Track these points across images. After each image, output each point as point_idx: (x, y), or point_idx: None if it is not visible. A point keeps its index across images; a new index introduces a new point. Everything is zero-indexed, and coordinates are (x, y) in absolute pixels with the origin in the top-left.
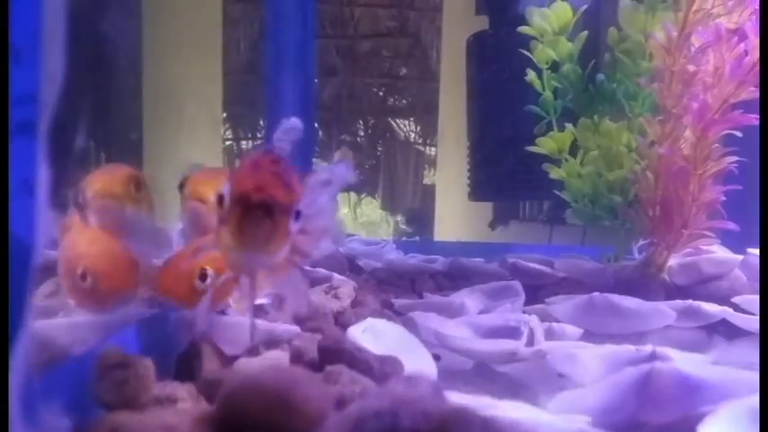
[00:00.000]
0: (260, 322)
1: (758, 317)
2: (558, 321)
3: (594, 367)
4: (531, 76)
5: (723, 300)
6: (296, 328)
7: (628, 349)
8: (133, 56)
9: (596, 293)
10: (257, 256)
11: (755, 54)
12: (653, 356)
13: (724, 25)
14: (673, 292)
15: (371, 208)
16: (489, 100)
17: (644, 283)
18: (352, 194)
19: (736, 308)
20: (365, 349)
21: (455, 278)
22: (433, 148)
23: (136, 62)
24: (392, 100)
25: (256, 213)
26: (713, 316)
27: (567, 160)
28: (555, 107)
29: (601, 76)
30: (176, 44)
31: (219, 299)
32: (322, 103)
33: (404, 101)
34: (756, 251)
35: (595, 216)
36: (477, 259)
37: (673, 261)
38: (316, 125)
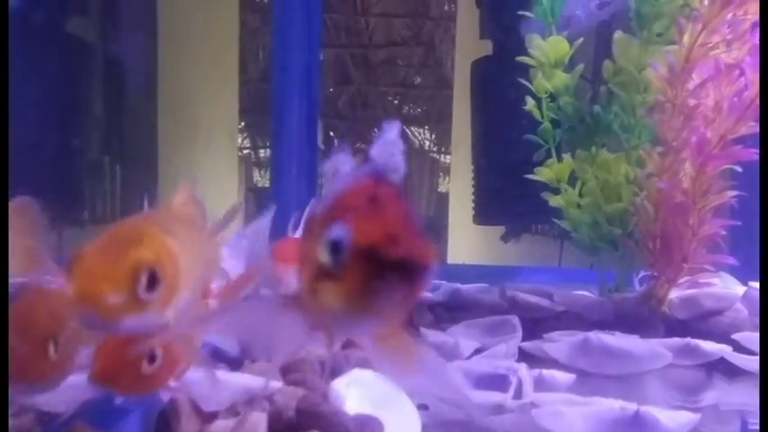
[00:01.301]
0: (240, 376)
1: (758, 356)
2: (554, 359)
3: (579, 426)
4: (530, 104)
5: (723, 335)
6: (277, 384)
7: (612, 407)
8: (148, 66)
9: (592, 333)
10: (376, 322)
11: (754, 89)
12: (637, 416)
13: (723, 60)
14: (673, 326)
15: None
16: (491, 126)
17: (644, 317)
18: None
19: (737, 345)
20: (343, 413)
21: (454, 310)
22: (447, 157)
23: (151, 73)
24: (407, 108)
25: (392, 276)
26: (712, 354)
27: (566, 190)
28: (554, 136)
29: (597, 108)
30: (192, 53)
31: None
32: (337, 111)
33: (418, 109)
34: (757, 284)
35: (595, 246)
36: (479, 285)
37: (673, 294)
38: (320, 141)
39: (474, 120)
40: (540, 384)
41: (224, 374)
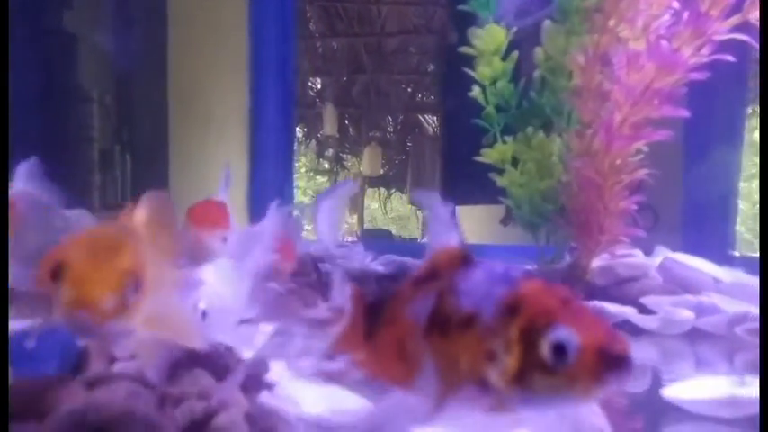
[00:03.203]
0: None
1: (657, 316)
2: None
3: None
4: (475, 91)
5: (633, 299)
6: None
7: None
8: (159, 57)
9: None
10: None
11: (650, 75)
12: None
13: (630, 49)
14: (593, 291)
15: (401, 203)
16: (453, 111)
17: (566, 284)
18: (382, 190)
19: (643, 307)
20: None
21: (398, 281)
22: None
23: (161, 63)
24: (420, 96)
25: (617, 368)
26: (616, 315)
27: (508, 170)
28: (498, 121)
29: (532, 93)
30: (202, 44)
31: None
32: (351, 100)
33: (432, 97)
34: (675, 255)
35: (532, 222)
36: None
37: (595, 264)
38: (335, 129)
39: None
40: None
41: None
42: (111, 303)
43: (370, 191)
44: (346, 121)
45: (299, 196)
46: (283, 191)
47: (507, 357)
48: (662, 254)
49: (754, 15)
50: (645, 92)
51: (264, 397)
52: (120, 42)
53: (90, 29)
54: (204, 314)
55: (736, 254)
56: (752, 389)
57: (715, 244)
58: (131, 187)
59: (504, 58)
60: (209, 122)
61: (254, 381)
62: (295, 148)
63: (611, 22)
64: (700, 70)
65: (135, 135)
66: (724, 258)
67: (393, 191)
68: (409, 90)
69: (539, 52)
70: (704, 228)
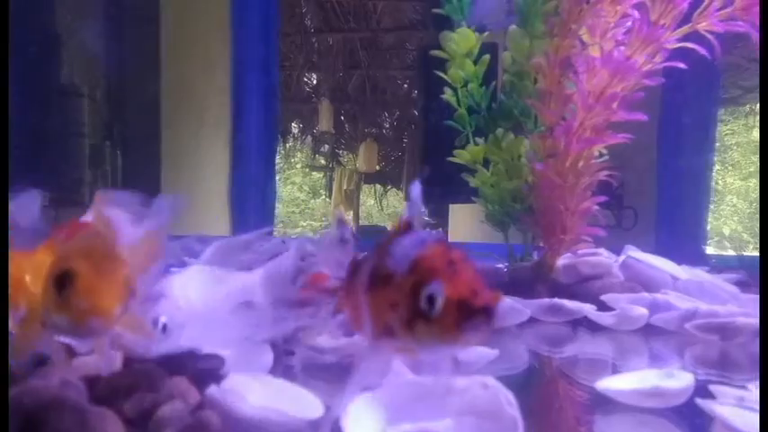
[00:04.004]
0: None
1: (614, 313)
2: None
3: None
4: (447, 93)
5: (595, 297)
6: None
7: None
8: (151, 55)
9: None
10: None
11: (604, 82)
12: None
13: (588, 55)
14: (558, 289)
15: (397, 199)
16: (427, 110)
17: (532, 282)
18: (378, 186)
19: (603, 305)
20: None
21: None
22: None
23: (154, 61)
24: (416, 92)
25: (477, 318)
26: (575, 312)
27: (480, 171)
28: (470, 122)
29: (502, 96)
30: (195, 40)
31: None
32: (347, 95)
33: None
34: (637, 253)
35: (502, 221)
36: None
37: (560, 262)
38: (330, 125)
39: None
40: None
41: None
42: (119, 311)
43: (365, 187)
44: (342, 117)
45: (294, 192)
46: (266, 187)
47: (402, 307)
48: (630, 252)
49: (703, 26)
50: (600, 96)
51: (214, 390)
52: (112, 39)
53: (81, 26)
54: (164, 327)
55: (708, 251)
56: (679, 381)
57: (687, 241)
58: (122, 182)
59: (476, 62)
60: (202, 118)
61: (208, 374)
62: (291, 143)
63: (573, 27)
64: (653, 77)
65: (126, 131)
66: (696, 256)
67: (389, 187)
68: (405, 86)
69: (506, 56)
70: (677, 226)
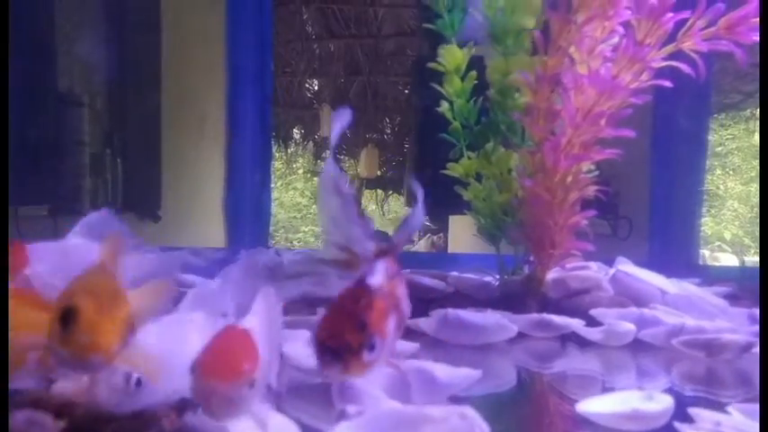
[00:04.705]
0: None
1: (602, 328)
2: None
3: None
4: (443, 106)
5: (584, 312)
6: None
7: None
8: (152, 61)
9: (450, 310)
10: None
11: (592, 100)
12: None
13: (574, 72)
14: (548, 303)
15: (399, 204)
16: (423, 121)
17: (522, 296)
18: (380, 191)
19: (592, 320)
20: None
21: None
22: None
23: (155, 68)
24: (413, 102)
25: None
26: (563, 328)
27: (472, 184)
28: (463, 136)
29: (491, 111)
30: (196, 48)
31: None
32: (348, 101)
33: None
34: (626, 267)
35: (494, 234)
36: None
37: (550, 276)
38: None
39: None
40: None
41: None
42: (119, 347)
43: (367, 192)
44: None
45: (296, 197)
46: (261, 196)
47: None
48: (622, 265)
49: (688, 45)
50: (588, 114)
51: (192, 419)
52: (112, 47)
53: (81, 34)
54: (139, 382)
55: (701, 263)
56: (658, 404)
57: (680, 251)
58: (123, 192)
59: (463, 78)
60: (203, 127)
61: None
62: (292, 149)
63: (562, 44)
64: (640, 94)
65: (126, 139)
66: (689, 267)
67: (390, 192)
68: (406, 92)
69: (488, 72)
70: (669, 236)
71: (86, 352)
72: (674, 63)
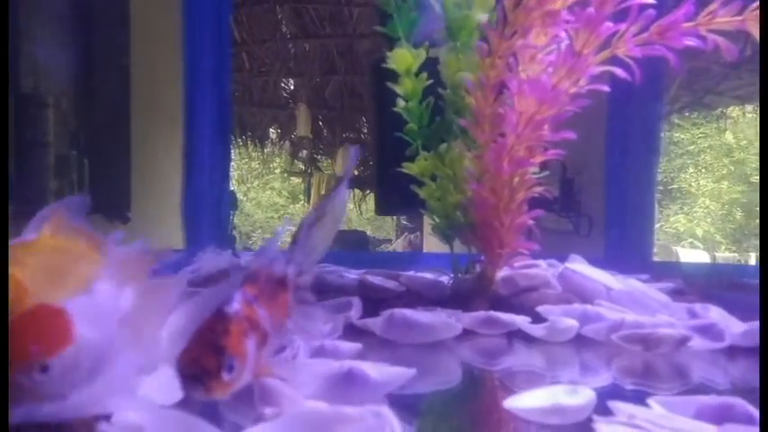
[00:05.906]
0: None
1: (545, 324)
2: (372, 332)
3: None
4: (400, 105)
5: (531, 309)
6: None
7: (335, 365)
8: (119, 60)
9: (396, 310)
10: None
11: (534, 106)
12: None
13: (518, 77)
14: (498, 301)
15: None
16: (386, 122)
17: (473, 294)
18: (357, 190)
19: (538, 316)
20: None
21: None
22: None
23: (123, 67)
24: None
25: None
26: (510, 325)
27: (427, 183)
28: (418, 135)
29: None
30: (165, 47)
31: None
32: (324, 101)
33: None
34: (575, 265)
35: (447, 234)
36: (331, 269)
37: (500, 275)
38: (308, 130)
39: (373, 116)
40: (321, 352)
41: None
42: None
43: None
44: (320, 123)
45: (274, 197)
46: (220, 199)
47: None
48: (571, 262)
49: (622, 51)
50: (530, 120)
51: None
52: (79, 46)
53: (45, 31)
54: (45, 368)
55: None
56: (579, 398)
57: (635, 250)
58: (90, 193)
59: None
60: (173, 127)
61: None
62: (269, 149)
63: (504, 48)
64: (578, 100)
65: (94, 140)
66: (642, 264)
67: (368, 192)
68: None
69: (441, 69)
70: (624, 233)
71: None
72: (609, 68)
